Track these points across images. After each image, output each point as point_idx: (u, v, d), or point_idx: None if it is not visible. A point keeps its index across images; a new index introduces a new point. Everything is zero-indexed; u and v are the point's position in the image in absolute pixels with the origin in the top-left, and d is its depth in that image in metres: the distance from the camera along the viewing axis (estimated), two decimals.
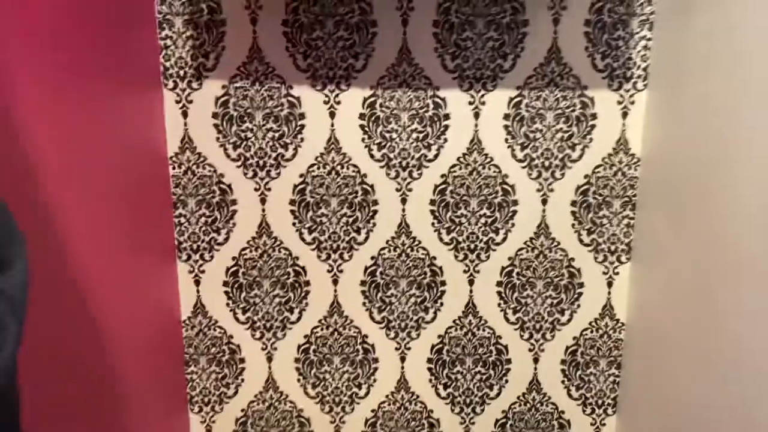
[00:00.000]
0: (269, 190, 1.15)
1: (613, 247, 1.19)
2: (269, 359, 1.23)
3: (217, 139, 1.13)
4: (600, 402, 1.25)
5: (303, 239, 1.17)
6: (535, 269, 1.20)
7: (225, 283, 1.19)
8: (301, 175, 1.15)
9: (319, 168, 1.15)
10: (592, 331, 1.22)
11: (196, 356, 1.22)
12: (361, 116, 1.13)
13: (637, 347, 1.19)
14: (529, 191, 1.16)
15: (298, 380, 1.24)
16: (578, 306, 1.21)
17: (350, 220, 1.17)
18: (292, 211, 1.16)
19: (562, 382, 1.25)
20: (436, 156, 1.15)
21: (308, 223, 1.16)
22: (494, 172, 1.15)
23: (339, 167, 1.14)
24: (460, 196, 1.16)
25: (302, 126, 1.13)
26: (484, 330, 1.22)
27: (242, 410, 1.24)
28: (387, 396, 1.25)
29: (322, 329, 1.22)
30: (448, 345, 1.23)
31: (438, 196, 1.16)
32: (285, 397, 1.24)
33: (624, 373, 1.22)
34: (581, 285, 1.20)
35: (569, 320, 1.22)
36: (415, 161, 1.15)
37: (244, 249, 1.18)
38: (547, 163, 1.15)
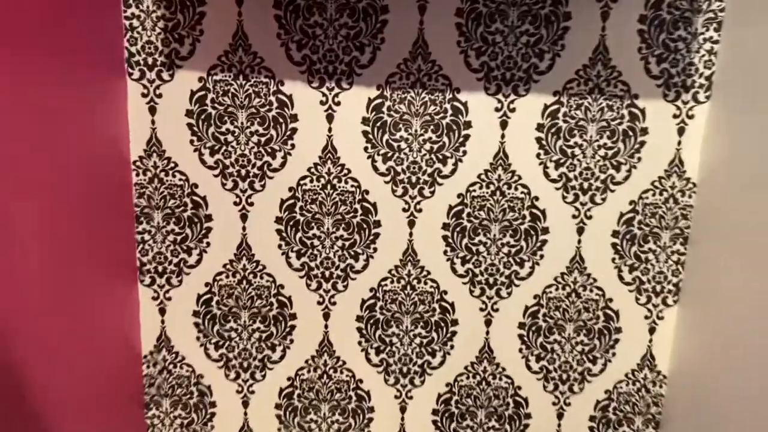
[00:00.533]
0: (252, 204, 0.97)
1: (658, 287, 1.01)
2: (245, 404, 1.05)
3: (191, 142, 0.95)
4: None
5: (290, 264, 0.99)
6: (566, 310, 1.02)
7: (195, 313, 1.01)
8: (290, 189, 0.97)
9: (312, 181, 0.96)
10: (628, 384, 1.04)
11: (158, 398, 1.04)
12: (365, 121, 0.95)
13: (680, 405, 1.01)
14: (563, 217, 0.98)
15: (279, 430, 1.05)
16: (614, 354, 1.03)
17: (347, 243, 0.99)
18: (279, 231, 0.98)
19: None
20: (452, 171, 0.97)
21: (297, 246, 0.98)
22: (522, 193, 0.97)
23: (336, 181, 0.96)
24: (479, 220, 0.98)
25: (294, 130, 0.95)
26: (500, 379, 1.04)
27: None
28: None
29: (309, 371, 1.04)
30: (458, 395, 1.05)
31: (453, 220, 0.98)
32: None
33: None
34: (619, 330, 1.02)
35: (602, 371, 1.04)
36: (427, 177, 0.97)
37: (219, 274, 0.99)
38: (585, 185, 0.97)
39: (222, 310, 1.01)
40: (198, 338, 1.02)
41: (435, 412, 1.05)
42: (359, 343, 1.02)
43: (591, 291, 1.01)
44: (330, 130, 0.95)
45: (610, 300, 1.01)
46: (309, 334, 1.02)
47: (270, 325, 1.02)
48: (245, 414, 1.05)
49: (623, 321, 1.02)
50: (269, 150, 0.95)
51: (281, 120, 0.94)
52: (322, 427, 1.05)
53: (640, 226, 0.99)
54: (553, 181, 0.97)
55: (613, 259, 1.00)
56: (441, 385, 1.04)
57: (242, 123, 0.94)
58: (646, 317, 1.02)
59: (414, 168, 0.96)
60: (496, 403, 1.05)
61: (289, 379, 1.04)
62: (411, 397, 1.05)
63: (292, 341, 1.02)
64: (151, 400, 1.03)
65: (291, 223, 0.98)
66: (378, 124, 0.95)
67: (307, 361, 1.03)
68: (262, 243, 0.98)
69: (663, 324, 1.02)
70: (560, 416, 1.06)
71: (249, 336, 1.02)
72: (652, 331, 1.03)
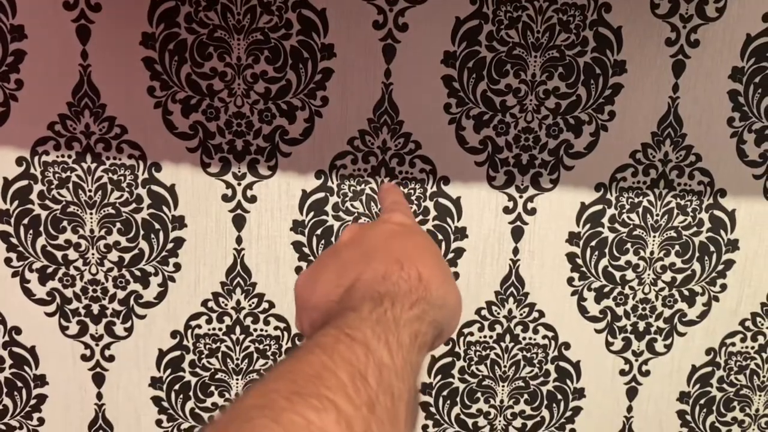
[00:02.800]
0: (111, 360, 0.62)
1: None
2: None
3: (7, 262, 0.60)
4: None
5: None
6: None
7: None
8: (174, 335, 0.62)
9: (209, 320, 0.62)
10: None
11: None
12: (297, 227, 0.61)
13: None
14: (606, 374, 0.66)
15: None
16: None
17: None
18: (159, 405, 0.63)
19: None
20: None
21: None
22: (544, 338, 0.65)
23: (253, 322, 0.62)
24: (479, 378, 0.65)
25: (179, 242, 0.61)
26: None
27: None
28: None
29: None
30: None
31: (437, 379, 0.65)
32: None
33: None
34: None
35: None
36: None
37: None
38: (641, 326, 0.65)
39: None
40: None
41: None
42: None
43: None
44: (239, 240, 0.61)
45: None
46: None
47: None
48: None
49: None
50: (139, 274, 0.61)
51: (157, 226, 0.60)
52: None
53: (721, 386, 0.67)
54: (593, 319, 0.65)
55: None
56: None
57: (91, 230, 0.60)
58: None
59: None
60: None
61: None
62: None
63: None
64: None
65: (181, 392, 0.63)
66: (318, 231, 0.61)
67: None
68: None
69: None
70: None
71: None
72: None
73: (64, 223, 0.59)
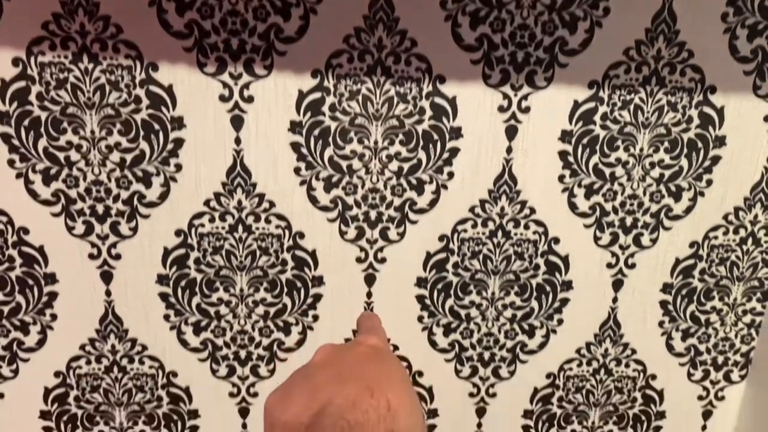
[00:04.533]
0: (118, 258, 0.66)
1: (721, 359, 0.76)
2: None
3: (10, 164, 0.62)
4: None
5: (184, 342, 0.70)
6: (591, 392, 0.76)
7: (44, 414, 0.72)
8: (179, 233, 0.66)
9: (212, 219, 0.66)
10: None
11: None
12: (295, 127, 0.64)
13: None
14: (594, 266, 0.71)
15: None
16: None
17: (272, 310, 0.69)
18: (164, 295, 0.68)
19: None
20: (432, 203, 0.67)
21: (194, 316, 0.69)
22: (535, 233, 0.69)
23: (250, 217, 0.66)
24: (471, 272, 0.70)
25: (178, 142, 0.63)
26: None
27: None
28: None
29: None
30: None
31: (432, 273, 0.70)
32: None
33: None
34: (661, 415, 0.78)
35: None
36: (393, 211, 0.67)
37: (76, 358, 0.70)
38: (629, 221, 0.70)
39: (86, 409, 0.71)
40: None
41: None
42: None
43: (627, 366, 0.75)
44: (238, 141, 0.64)
45: (653, 377, 0.76)
46: None
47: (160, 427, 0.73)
48: None
49: (668, 404, 0.77)
50: (141, 174, 0.64)
51: (157, 126, 0.62)
52: None
53: (702, 278, 0.72)
54: (582, 215, 0.69)
55: (662, 323, 0.74)
56: None
57: (92, 131, 0.62)
58: (701, 398, 0.77)
59: (374, 198, 0.67)
60: None
61: None
62: None
63: None
64: None
65: (187, 288, 0.68)
66: (316, 132, 0.64)
67: None
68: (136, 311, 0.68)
69: (723, 406, 0.78)
70: None
71: None
72: (706, 415, 0.78)
73: (65, 124, 0.61)
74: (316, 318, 0.70)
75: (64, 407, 0.71)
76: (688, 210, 0.70)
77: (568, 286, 0.71)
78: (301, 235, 0.67)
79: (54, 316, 0.68)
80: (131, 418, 0.72)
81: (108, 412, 0.71)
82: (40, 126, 0.61)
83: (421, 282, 0.70)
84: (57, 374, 0.69)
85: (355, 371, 0.45)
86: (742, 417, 0.77)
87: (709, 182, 0.69)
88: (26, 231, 0.64)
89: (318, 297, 0.70)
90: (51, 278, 0.66)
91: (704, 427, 0.79)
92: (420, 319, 0.71)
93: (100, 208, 0.64)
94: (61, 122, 0.61)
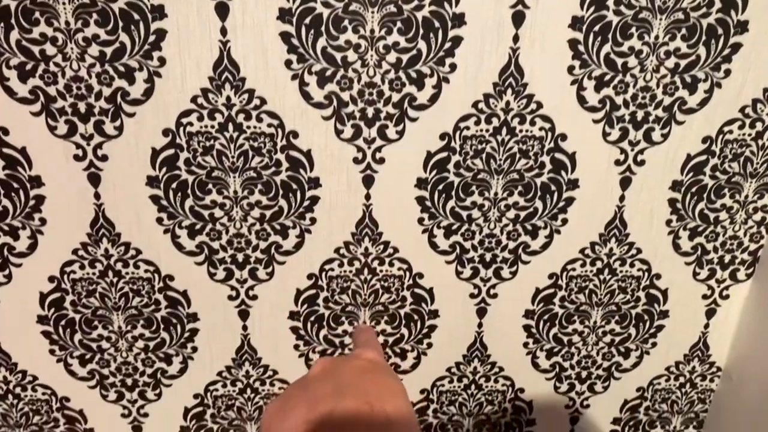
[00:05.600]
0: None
1: (728, 257, 0.75)
2: (136, 430, 0.79)
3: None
4: None
5: (180, 246, 0.69)
6: (594, 291, 0.76)
7: (41, 319, 0.72)
8: (166, 132, 0.63)
9: (201, 117, 0.63)
10: (669, 380, 0.82)
11: (6, 429, 0.77)
12: (284, 15, 0.60)
13: (734, 402, 0.80)
14: (602, 164, 0.69)
15: None
16: (653, 345, 0.79)
17: (268, 213, 0.68)
18: (155, 199, 0.66)
19: None
20: (433, 98, 0.64)
21: (188, 219, 0.67)
22: (541, 129, 0.66)
23: (240, 115, 0.63)
24: (474, 172, 0.68)
25: (161, 34, 0.59)
26: (496, 381, 0.80)
27: None
28: None
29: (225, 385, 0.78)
30: (437, 403, 0.81)
31: (432, 173, 0.68)
32: None
33: None
34: (664, 314, 0.78)
35: (636, 364, 0.81)
36: (392, 108, 0.64)
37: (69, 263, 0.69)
38: (640, 116, 0.67)
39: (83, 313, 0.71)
40: (53, 351, 0.73)
41: None
42: (296, 347, 0.76)
43: (632, 266, 0.74)
44: (224, 31, 0.60)
45: (657, 277, 0.75)
46: (220, 337, 0.74)
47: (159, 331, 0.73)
48: None
49: (672, 303, 0.77)
50: (123, 69, 0.60)
51: (136, 16, 0.58)
52: None
53: (714, 174, 0.70)
54: (591, 109, 0.66)
55: (669, 222, 0.72)
56: (413, 392, 0.80)
57: (67, 22, 0.58)
58: (705, 297, 0.77)
59: (371, 94, 0.63)
60: (489, 409, 0.82)
61: (196, 396, 0.78)
62: None
63: (194, 349, 0.75)
64: None
65: (179, 190, 0.66)
66: (307, 20, 0.60)
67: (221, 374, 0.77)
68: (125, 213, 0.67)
69: (726, 305, 0.78)
70: (574, 420, 0.84)
71: (129, 346, 0.74)
72: (710, 314, 0.78)
73: (36, 14, 0.57)
74: (313, 221, 0.69)
75: (61, 312, 0.71)
76: (703, 103, 0.66)
77: (574, 184, 0.69)
78: (295, 135, 0.65)
79: (43, 221, 0.66)
80: (129, 322, 0.72)
81: (106, 317, 0.72)
82: (10, 17, 0.57)
83: (421, 183, 0.68)
84: (51, 279, 0.69)
85: (354, 385, 0.45)
86: (745, 315, 0.78)
87: (727, 72, 0.65)
88: (6, 131, 0.62)
89: (315, 199, 0.68)
90: (36, 181, 0.64)
91: (707, 326, 0.79)
92: (420, 221, 0.70)
93: (82, 107, 0.61)
94: (32, 12, 0.57)
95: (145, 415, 0.78)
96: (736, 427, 0.80)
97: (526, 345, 0.78)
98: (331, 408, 0.42)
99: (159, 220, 0.67)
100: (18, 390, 0.75)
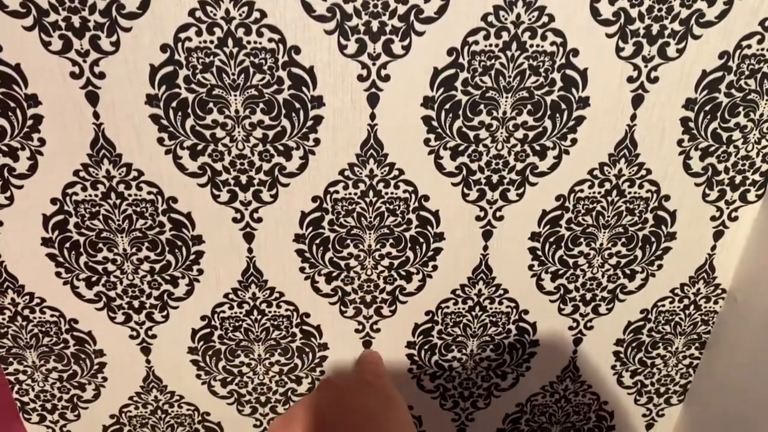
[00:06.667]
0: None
1: (739, 178, 0.74)
2: (145, 351, 0.81)
3: None
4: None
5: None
6: (601, 213, 0.75)
7: None
8: (164, 48, 0.61)
9: (199, 32, 0.61)
10: (673, 302, 0.83)
11: (17, 350, 0.79)
12: None
13: (739, 323, 0.81)
14: (614, 81, 0.66)
15: (198, 376, 0.83)
16: (659, 267, 0.80)
17: (270, 134, 0.67)
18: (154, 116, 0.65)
19: (613, 367, 0.88)
20: (440, 10, 0.62)
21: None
22: (552, 44, 0.64)
23: (240, 29, 0.61)
24: (482, 90, 0.66)
25: None
26: (500, 302, 0.81)
27: None
28: None
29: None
30: (442, 324, 0.82)
31: (439, 91, 0.66)
32: None
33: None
34: (672, 236, 0.78)
35: (641, 287, 0.81)
36: (397, 21, 0.62)
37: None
38: (655, 30, 0.64)
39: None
40: (59, 273, 0.74)
41: (411, 344, 0.84)
42: (301, 269, 0.76)
43: (641, 187, 0.74)
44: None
45: (666, 198, 0.75)
46: (226, 260, 0.75)
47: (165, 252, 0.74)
48: (148, 362, 0.82)
49: (679, 225, 0.77)
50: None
51: None
52: (257, 370, 0.83)
53: (729, 92, 0.68)
54: (604, 23, 0.63)
55: (681, 142, 0.71)
56: (419, 314, 0.81)
57: None
58: (714, 218, 0.77)
59: (375, 5, 0.61)
60: (493, 330, 0.83)
61: (203, 318, 0.79)
62: (378, 330, 0.82)
63: (200, 272, 0.75)
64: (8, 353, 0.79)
65: (179, 109, 0.64)
66: None
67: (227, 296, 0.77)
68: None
69: (734, 227, 0.78)
70: (578, 342, 0.85)
71: (135, 269, 0.74)
72: (717, 236, 0.78)
73: None
74: (317, 142, 0.68)
75: (65, 234, 0.71)
76: (722, 15, 0.64)
77: (584, 103, 0.68)
78: (297, 50, 0.63)
79: (42, 141, 0.65)
80: (134, 244, 0.73)
81: (110, 239, 0.72)
82: None
83: (428, 101, 0.67)
84: (54, 201, 0.69)
85: (369, 424, 0.47)
86: (753, 237, 0.78)
87: None
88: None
89: (318, 119, 0.67)
90: (33, 99, 0.63)
91: (713, 248, 0.79)
92: (426, 141, 0.69)
93: (76, 21, 0.59)
94: None
95: (154, 336, 0.80)
96: (738, 348, 0.82)
97: (531, 267, 0.79)
98: (335, 425, 0.45)
99: (160, 140, 0.66)
100: (27, 312, 0.76)
